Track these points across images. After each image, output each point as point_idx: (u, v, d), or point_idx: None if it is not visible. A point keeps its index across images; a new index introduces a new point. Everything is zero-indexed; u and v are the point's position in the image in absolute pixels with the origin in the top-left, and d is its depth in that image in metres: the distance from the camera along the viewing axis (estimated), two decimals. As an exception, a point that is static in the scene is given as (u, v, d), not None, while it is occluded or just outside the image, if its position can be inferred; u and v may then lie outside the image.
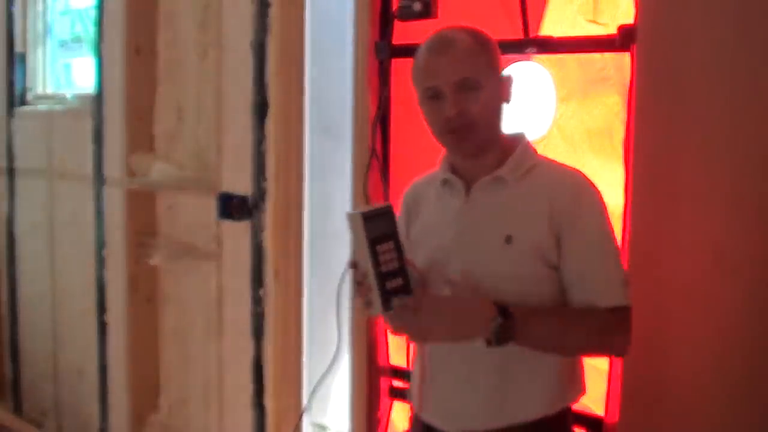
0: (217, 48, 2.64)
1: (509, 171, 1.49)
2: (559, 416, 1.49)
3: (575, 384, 1.52)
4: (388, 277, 1.39)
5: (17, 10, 3.67)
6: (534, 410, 1.46)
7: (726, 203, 1.67)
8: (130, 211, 2.99)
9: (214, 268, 2.71)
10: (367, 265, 1.39)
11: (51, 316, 3.56)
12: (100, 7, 3.07)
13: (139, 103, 2.97)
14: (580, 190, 1.46)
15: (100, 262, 3.13)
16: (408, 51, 2.24)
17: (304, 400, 2.49)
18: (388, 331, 1.46)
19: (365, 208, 1.42)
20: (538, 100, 1.96)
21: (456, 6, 2.12)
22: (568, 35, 1.93)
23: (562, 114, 1.96)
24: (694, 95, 1.70)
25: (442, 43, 1.49)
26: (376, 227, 1.40)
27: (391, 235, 1.41)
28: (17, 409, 3.81)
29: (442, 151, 1.58)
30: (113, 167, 3.04)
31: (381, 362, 2.36)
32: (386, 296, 1.39)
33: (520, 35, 1.97)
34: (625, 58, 1.81)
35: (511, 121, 1.55)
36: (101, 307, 3.15)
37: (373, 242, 1.39)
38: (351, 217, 1.40)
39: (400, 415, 2.39)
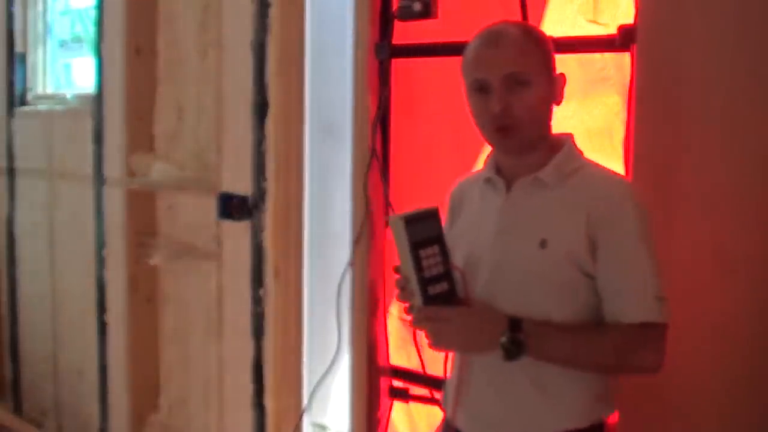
0: (217, 48, 2.64)
1: (550, 173, 1.46)
2: (591, 430, 1.46)
3: (609, 400, 1.48)
4: (431, 282, 1.36)
5: (17, 10, 3.67)
6: (566, 422, 1.43)
7: (726, 203, 1.66)
8: (130, 211, 2.99)
9: (214, 268, 2.71)
10: (409, 270, 1.36)
11: (51, 316, 3.56)
12: (100, 7, 3.07)
13: (139, 103, 2.97)
14: (620, 200, 1.41)
15: (100, 262, 3.13)
16: (408, 51, 2.25)
17: (304, 400, 2.49)
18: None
19: (408, 212, 1.38)
20: (538, 100, 1.96)
21: (456, 6, 2.12)
22: (568, 35, 1.93)
23: (562, 114, 1.96)
24: (693, 95, 1.70)
25: (494, 35, 1.45)
26: (419, 231, 1.36)
27: (436, 238, 1.38)
28: (17, 409, 3.81)
29: (488, 149, 1.56)
30: (113, 167, 3.04)
31: (381, 362, 2.36)
32: (429, 302, 1.36)
33: (520, 35, 1.97)
34: (625, 58, 1.81)
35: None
36: (101, 307, 3.15)
37: (416, 246, 1.35)
38: (393, 222, 1.37)
39: (400, 415, 2.39)
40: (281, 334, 2.48)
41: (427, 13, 2.09)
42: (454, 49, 2.12)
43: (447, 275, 1.38)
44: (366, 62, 2.26)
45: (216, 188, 2.61)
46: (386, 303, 2.37)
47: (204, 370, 2.84)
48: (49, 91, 3.71)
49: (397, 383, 2.36)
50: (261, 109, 2.44)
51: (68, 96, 3.54)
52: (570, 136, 1.52)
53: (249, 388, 2.56)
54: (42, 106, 3.64)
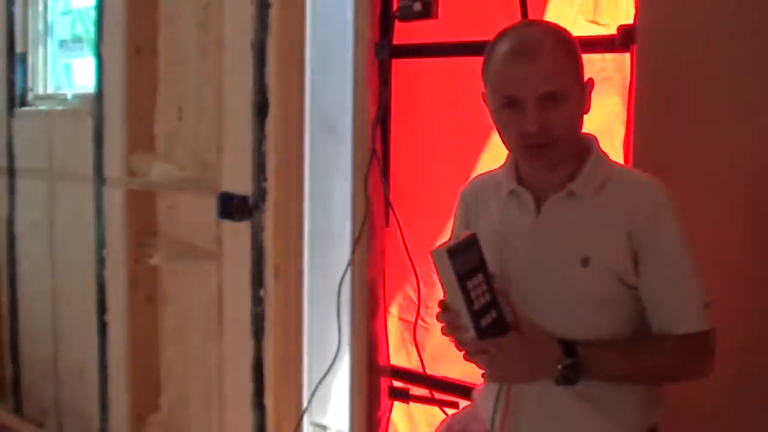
0: (218, 48, 2.64)
1: (583, 185, 1.39)
2: None
3: (658, 406, 1.46)
4: (482, 313, 1.29)
5: (18, 10, 3.67)
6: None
7: (726, 203, 1.67)
8: (130, 211, 2.99)
9: (214, 268, 2.71)
10: (459, 304, 1.28)
11: (51, 315, 3.55)
12: (101, 7, 3.07)
13: (140, 103, 2.97)
14: (660, 207, 1.37)
15: (101, 262, 3.13)
16: (408, 51, 2.25)
17: (305, 400, 2.49)
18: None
19: (450, 243, 1.29)
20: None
21: (456, 6, 2.12)
22: (568, 35, 1.92)
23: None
24: (693, 95, 1.70)
25: (528, 48, 1.34)
26: (464, 262, 1.28)
27: (480, 266, 1.31)
28: (17, 409, 3.81)
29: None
30: (113, 167, 3.04)
31: (381, 362, 2.36)
32: (482, 335, 1.29)
33: (521, 35, 1.97)
34: (625, 59, 1.81)
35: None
36: (101, 307, 3.15)
37: (463, 279, 1.27)
38: (436, 256, 1.27)
39: (400, 415, 2.40)
40: (281, 334, 2.48)
41: (427, 13, 2.09)
42: (454, 49, 2.13)
43: (494, 302, 1.31)
44: (366, 62, 2.26)
45: (216, 188, 2.61)
46: (386, 303, 2.37)
47: (204, 370, 2.84)
48: (50, 91, 3.71)
49: (397, 383, 2.37)
50: (261, 109, 2.44)
51: (68, 96, 3.54)
52: (594, 139, 1.46)
53: (249, 387, 2.56)
54: (42, 106, 3.64)
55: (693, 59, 1.70)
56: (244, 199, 2.51)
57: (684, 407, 1.73)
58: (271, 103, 2.42)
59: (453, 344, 1.36)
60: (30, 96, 3.71)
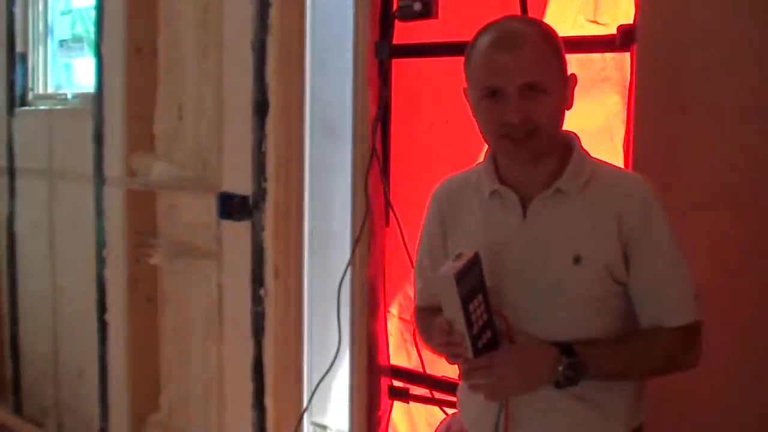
0: (218, 48, 2.64)
1: (569, 182, 1.38)
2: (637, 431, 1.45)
3: (646, 401, 1.47)
4: (480, 334, 1.29)
5: (18, 9, 3.67)
6: (614, 429, 1.41)
7: (726, 203, 1.67)
8: (130, 211, 2.99)
9: (214, 267, 2.71)
10: (461, 326, 1.27)
11: (51, 315, 3.56)
12: (101, 7, 3.07)
13: (140, 102, 2.97)
14: (647, 202, 1.37)
15: (101, 262, 3.13)
16: (408, 51, 2.25)
17: (305, 400, 2.49)
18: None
19: (455, 266, 1.27)
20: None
21: (456, 6, 2.12)
22: (568, 35, 1.92)
23: (562, 114, 1.96)
24: (693, 95, 1.70)
25: (512, 38, 1.34)
26: (467, 284, 1.27)
27: (480, 286, 1.30)
28: (18, 409, 3.81)
29: (484, 151, 1.47)
30: (113, 167, 3.04)
31: (381, 362, 2.36)
32: (478, 354, 1.29)
33: (521, 35, 1.97)
34: (625, 58, 1.81)
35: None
36: (101, 307, 3.15)
37: (465, 302, 1.26)
38: (443, 280, 1.26)
39: (400, 414, 2.39)
40: (281, 334, 2.48)
41: (427, 13, 2.09)
42: (454, 49, 2.13)
43: (490, 322, 1.31)
44: (366, 62, 2.26)
45: (216, 188, 2.61)
46: (386, 303, 2.37)
47: (204, 370, 2.84)
48: (50, 90, 3.71)
49: (397, 383, 2.36)
50: (261, 108, 2.44)
51: (68, 96, 3.54)
52: (575, 136, 1.45)
53: (249, 387, 2.56)
54: (42, 106, 3.64)
55: (693, 59, 1.70)
56: (244, 198, 2.51)
57: (684, 406, 1.73)
58: (271, 102, 2.42)
59: (444, 358, 1.37)
60: (30, 96, 3.71)
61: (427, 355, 2.29)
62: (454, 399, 2.19)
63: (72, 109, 3.44)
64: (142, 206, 3.00)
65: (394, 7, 2.20)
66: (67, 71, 3.68)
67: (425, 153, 2.32)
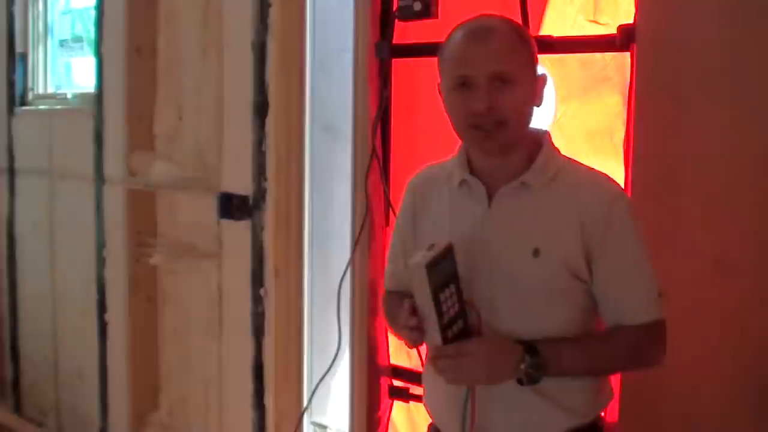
0: (218, 48, 2.64)
1: (535, 176, 1.41)
2: (593, 424, 1.47)
3: (606, 390, 1.50)
4: (450, 324, 1.32)
5: (18, 9, 3.67)
6: (568, 422, 1.43)
7: (726, 203, 1.67)
8: (130, 211, 2.99)
9: (214, 267, 2.71)
10: (430, 315, 1.31)
11: (51, 315, 3.55)
12: (101, 7, 3.07)
13: (140, 102, 2.97)
14: (611, 201, 1.38)
15: (101, 262, 3.13)
16: (409, 51, 2.25)
17: (305, 400, 2.49)
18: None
19: (427, 256, 1.31)
20: (538, 99, 1.96)
21: (456, 5, 2.12)
22: (568, 35, 1.93)
23: (563, 114, 1.96)
24: (694, 95, 1.70)
25: (482, 31, 1.39)
26: (439, 274, 1.31)
27: (453, 277, 1.34)
28: (18, 409, 3.81)
29: (458, 143, 1.49)
30: (113, 167, 3.04)
31: (381, 362, 2.36)
32: (446, 342, 1.33)
33: (521, 35, 1.97)
34: (625, 58, 1.81)
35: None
36: (101, 307, 3.15)
37: (436, 291, 1.30)
38: (415, 269, 1.30)
39: (400, 414, 2.40)
40: (281, 334, 2.48)
41: (427, 12, 2.09)
42: (454, 48, 2.13)
43: (462, 312, 1.34)
44: (366, 62, 2.26)
45: (216, 188, 2.61)
46: (386, 303, 2.36)
47: (204, 370, 2.84)
48: (50, 90, 3.71)
49: (398, 383, 2.36)
50: (261, 108, 2.44)
51: (69, 96, 3.54)
52: (546, 133, 1.48)
53: (249, 387, 2.56)
54: (42, 106, 3.64)
55: (693, 59, 1.70)
56: (244, 198, 2.51)
57: (684, 406, 1.73)
58: (271, 102, 2.42)
59: (403, 341, 1.43)
60: (30, 96, 3.71)
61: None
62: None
63: (72, 109, 3.44)
64: (142, 206, 3.00)
65: (394, 7, 2.21)
66: (67, 71, 3.68)
67: (425, 153, 2.32)
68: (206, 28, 2.76)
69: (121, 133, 2.98)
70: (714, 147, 1.68)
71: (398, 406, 2.39)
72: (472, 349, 1.35)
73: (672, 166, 1.73)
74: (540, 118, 1.96)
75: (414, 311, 1.35)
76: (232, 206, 2.54)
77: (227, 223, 2.59)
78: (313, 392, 2.42)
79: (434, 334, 1.33)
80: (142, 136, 2.98)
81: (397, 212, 2.25)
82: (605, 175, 1.44)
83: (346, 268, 2.29)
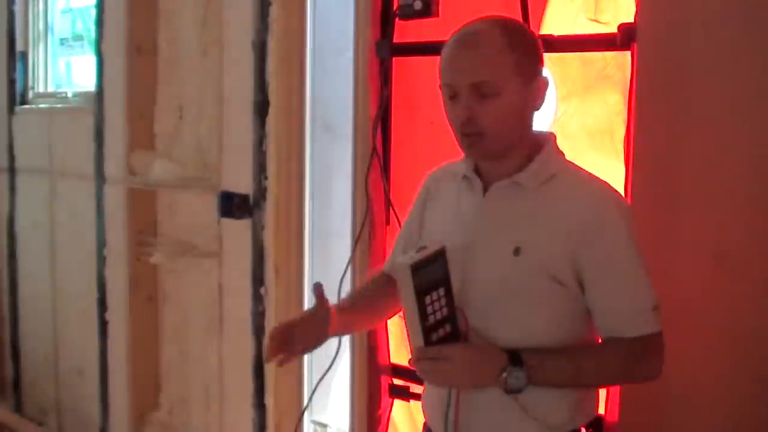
0: (218, 47, 2.64)
1: (528, 177, 1.40)
2: None
3: (587, 407, 1.47)
4: (436, 327, 1.32)
5: (18, 8, 3.67)
6: None
7: (726, 203, 1.66)
8: (130, 210, 2.99)
9: (214, 266, 2.71)
10: (412, 315, 1.31)
11: (52, 314, 3.56)
12: (101, 6, 3.07)
13: (140, 101, 2.97)
14: (602, 209, 1.35)
15: (101, 261, 3.13)
16: (409, 50, 2.25)
17: (305, 399, 2.49)
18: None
19: (414, 257, 1.31)
20: (538, 98, 1.96)
21: (457, 5, 2.11)
22: (569, 34, 1.92)
23: (564, 112, 1.96)
24: (694, 94, 1.70)
25: (467, 38, 1.37)
26: (426, 276, 1.31)
27: (443, 280, 1.33)
28: (18, 408, 3.82)
29: None
30: (114, 166, 3.04)
31: (382, 361, 2.36)
32: (429, 344, 1.33)
33: (521, 34, 1.97)
34: (626, 57, 1.81)
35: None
36: (102, 306, 3.15)
37: (422, 293, 1.30)
38: (400, 268, 1.31)
39: (400, 413, 2.39)
40: (282, 333, 2.48)
41: (427, 11, 2.09)
42: (454, 47, 2.13)
43: (451, 317, 1.34)
44: (367, 61, 2.25)
45: (216, 187, 2.62)
46: (387, 301, 2.36)
47: (204, 369, 2.84)
48: (50, 89, 3.72)
49: (398, 381, 2.36)
50: (262, 107, 2.44)
51: (69, 94, 3.54)
52: (551, 136, 1.46)
53: (249, 386, 2.56)
54: (43, 105, 3.64)
55: (694, 58, 1.70)
56: (244, 197, 2.52)
57: (684, 406, 1.73)
58: (272, 101, 2.42)
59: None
60: (30, 94, 3.71)
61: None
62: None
63: (72, 108, 3.44)
64: (143, 205, 3.00)
65: (395, 6, 2.20)
66: (68, 70, 3.69)
67: (426, 152, 2.32)
68: (207, 27, 2.76)
69: (121, 132, 2.98)
70: (714, 145, 1.68)
71: (398, 404, 2.39)
72: (452, 353, 1.34)
73: (672, 164, 1.73)
74: (541, 117, 1.96)
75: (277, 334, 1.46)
76: (232, 205, 2.54)
77: (228, 222, 2.59)
78: (314, 391, 2.42)
79: (417, 336, 1.33)
80: (142, 134, 2.98)
81: (398, 211, 2.27)
82: (605, 183, 1.41)
83: (347, 266, 2.29)
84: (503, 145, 1.39)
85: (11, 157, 3.71)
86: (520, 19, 1.96)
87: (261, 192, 2.47)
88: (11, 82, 3.70)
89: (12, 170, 3.72)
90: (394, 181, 2.30)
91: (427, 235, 1.52)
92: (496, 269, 1.40)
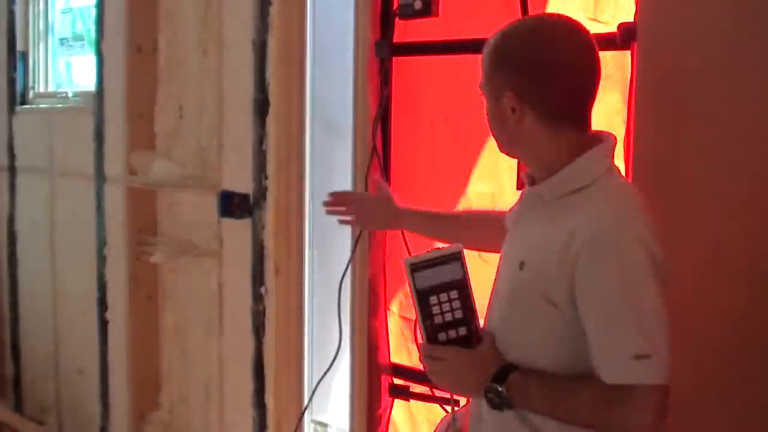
0: (218, 46, 2.64)
1: (548, 188, 1.34)
2: None
3: None
4: (445, 328, 1.32)
5: (18, 8, 3.67)
6: None
7: (726, 202, 1.66)
8: (130, 209, 2.99)
9: (214, 266, 2.71)
10: (417, 313, 1.32)
11: (52, 313, 3.56)
12: (101, 5, 3.07)
13: (140, 101, 2.97)
14: (601, 238, 1.24)
15: (101, 260, 3.13)
16: (409, 49, 2.25)
17: (305, 398, 2.49)
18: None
19: (419, 257, 1.31)
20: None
21: (456, 4, 2.12)
22: (568, 33, 1.92)
23: (563, 112, 1.96)
24: (694, 93, 1.70)
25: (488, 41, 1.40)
26: (430, 276, 1.30)
27: (457, 283, 1.32)
28: (18, 407, 3.82)
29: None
30: (114, 165, 3.04)
31: (382, 360, 2.36)
32: (432, 343, 1.34)
33: (521, 33, 1.97)
34: (625, 57, 1.81)
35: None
36: (102, 305, 3.15)
37: (424, 292, 1.30)
38: (405, 264, 1.32)
39: (400, 412, 2.40)
40: (282, 332, 2.48)
41: (427, 11, 2.09)
42: (455, 47, 2.13)
43: (465, 320, 1.33)
44: (367, 60, 2.26)
45: (217, 186, 2.62)
46: (387, 300, 2.37)
47: (205, 368, 2.84)
48: (50, 89, 3.72)
49: (398, 381, 2.36)
50: (262, 107, 2.44)
51: (69, 94, 3.54)
52: (600, 142, 1.36)
53: (250, 386, 2.56)
54: (43, 105, 3.64)
55: (694, 57, 1.70)
56: (244, 197, 2.52)
57: (684, 406, 1.73)
58: (272, 101, 2.42)
59: None
60: (31, 94, 3.71)
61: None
62: (454, 397, 2.20)
63: (72, 108, 3.44)
64: (143, 204, 3.00)
65: (395, 6, 2.20)
66: (68, 70, 3.69)
67: (426, 151, 2.32)
68: (207, 27, 2.76)
69: (121, 132, 2.98)
70: (714, 145, 1.68)
71: (399, 404, 2.39)
72: (445, 354, 1.35)
73: (672, 164, 1.73)
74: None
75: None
76: (232, 204, 2.54)
77: (228, 222, 2.59)
78: (314, 390, 2.42)
79: (421, 333, 1.35)
80: (142, 134, 2.98)
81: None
82: (627, 208, 1.30)
83: (347, 266, 2.29)
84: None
85: (11, 157, 3.71)
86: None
87: (261, 191, 2.47)
88: (11, 82, 3.69)
89: (12, 170, 3.72)
90: (394, 180, 2.30)
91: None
92: (506, 282, 1.39)
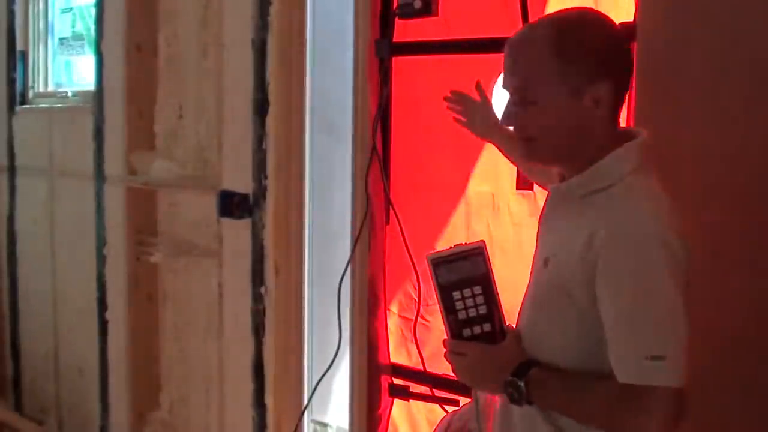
0: (218, 46, 2.64)
1: (574, 185, 1.31)
2: None
3: None
4: (470, 323, 1.32)
5: (18, 8, 3.67)
6: None
7: (726, 202, 1.66)
8: (130, 209, 2.99)
9: (214, 265, 2.71)
10: (440, 309, 1.32)
11: (52, 313, 3.56)
12: (101, 5, 3.07)
13: (140, 100, 2.97)
14: (621, 237, 1.22)
15: (101, 260, 3.13)
16: (409, 49, 2.25)
17: (305, 398, 2.49)
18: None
19: (441, 252, 1.31)
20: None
21: (456, 3, 2.12)
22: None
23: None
24: (693, 93, 1.70)
25: (515, 39, 1.31)
26: (453, 271, 1.30)
27: (480, 278, 1.31)
28: (18, 407, 3.82)
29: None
30: (114, 165, 3.04)
31: (382, 360, 2.36)
32: (456, 338, 1.34)
33: (521, 33, 1.97)
34: (625, 56, 1.80)
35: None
36: (102, 305, 3.15)
37: (449, 288, 1.30)
38: (428, 260, 1.32)
39: (400, 412, 2.40)
40: (282, 332, 2.48)
41: (427, 10, 2.09)
42: (454, 46, 2.13)
43: (489, 316, 1.33)
44: (366, 60, 2.26)
45: (216, 186, 2.61)
46: (387, 301, 2.37)
47: (204, 368, 2.84)
48: (50, 88, 3.72)
49: (398, 381, 2.37)
50: (261, 106, 2.44)
51: (69, 94, 3.54)
52: (631, 139, 1.31)
53: (249, 386, 2.56)
54: (43, 104, 3.64)
55: (693, 56, 1.70)
56: (244, 196, 2.51)
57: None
58: (272, 101, 2.42)
59: None
60: (30, 94, 3.71)
61: (428, 352, 2.29)
62: (454, 396, 2.20)
63: (72, 107, 3.44)
64: (143, 204, 3.00)
65: (395, 5, 2.20)
66: (68, 69, 3.69)
67: (426, 151, 2.32)
68: (206, 26, 2.76)
69: (121, 131, 2.98)
70: (713, 144, 1.68)
71: (398, 404, 2.39)
72: (467, 350, 1.35)
73: (672, 163, 1.73)
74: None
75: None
76: (232, 204, 2.54)
77: (227, 222, 2.59)
78: (314, 390, 2.42)
79: (445, 328, 1.35)
80: (142, 134, 2.98)
81: (398, 210, 2.27)
82: (647, 206, 1.26)
83: (347, 266, 2.29)
84: (556, 153, 1.33)
85: (11, 157, 3.71)
86: (521, 19, 1.96)
87: (261, 191, 2.47)
88: (11, 82, 3.69)
89: (12, 169, 3.72)
90: (394, 180, 2.30)
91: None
92: (534, 278, 1.38)
